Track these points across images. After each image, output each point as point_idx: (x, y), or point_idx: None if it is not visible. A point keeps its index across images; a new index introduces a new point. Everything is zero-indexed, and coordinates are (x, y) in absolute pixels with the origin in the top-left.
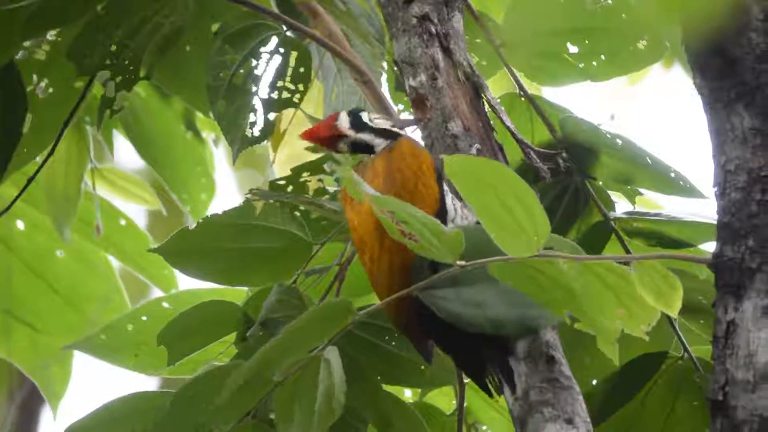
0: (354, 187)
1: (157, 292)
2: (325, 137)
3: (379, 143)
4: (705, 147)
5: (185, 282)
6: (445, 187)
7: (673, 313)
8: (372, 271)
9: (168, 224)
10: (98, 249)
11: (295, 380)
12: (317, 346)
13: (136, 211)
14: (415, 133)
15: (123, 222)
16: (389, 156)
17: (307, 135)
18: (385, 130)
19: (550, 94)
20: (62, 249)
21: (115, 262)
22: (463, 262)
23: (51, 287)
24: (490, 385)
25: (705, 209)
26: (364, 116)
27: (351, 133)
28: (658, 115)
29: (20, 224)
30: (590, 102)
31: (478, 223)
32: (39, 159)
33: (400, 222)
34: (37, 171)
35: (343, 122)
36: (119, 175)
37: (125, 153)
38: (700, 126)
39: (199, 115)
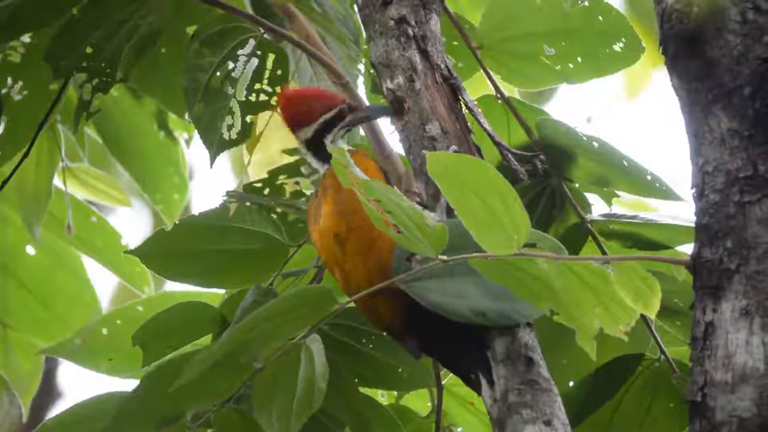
0: (343, 169)
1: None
2: (287, 122)
3: (318, 165)
4: (684, 149)
5: (158, 281)
6: (398, 191)
7: (652, 314)
8: (347, 283)
9: None
10: (68, 246)
11: (275, 367)
12: (298, 333)
13: (142, 217)
14: (392, 136)
15: (94, 219)
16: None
17: (282, 99)
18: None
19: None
20: (32, 245)
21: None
22: (445, 257)
23: (21, 283)
24: (473, 381)
25: (688, 211)
26: (330, 137)
27: (302, 148)
28: (648, 118)
29: None
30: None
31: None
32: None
33: (386, 212)
34: (12, 172)
35: (306, 134)
36: (91, 174)
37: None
38: (680, 128)
39: (172, 115)
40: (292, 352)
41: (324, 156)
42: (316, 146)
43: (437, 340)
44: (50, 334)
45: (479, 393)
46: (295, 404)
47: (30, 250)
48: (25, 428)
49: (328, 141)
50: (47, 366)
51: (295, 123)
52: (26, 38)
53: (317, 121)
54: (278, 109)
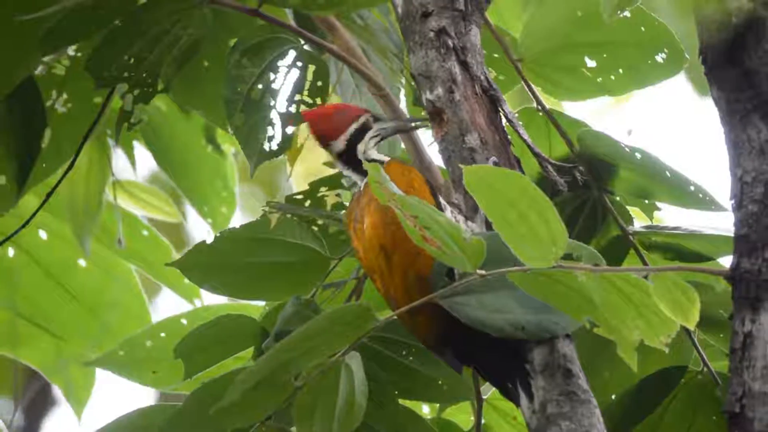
0: (380, 186)
1: (167, 292)
2: (317, 139)
3: (357, 179)
4: (722, 159)
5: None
6: (443, 201)
7: (691, 326)
8: (387, 293)
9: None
10: (120, 258)
11: (315, 385)
12: (337, 350)
13: None
14: (431, 147)
15: (145, 233)
16: None
17: (307, 118)
18: (371, 161)
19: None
20: (84, 258)
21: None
22: (483, 272)
23: (72, 296)
24: (511, 391)
25: (724, 223)
26: (360, 148)
27: (337, 162)
28: (671, 129)
29: (43, 234)
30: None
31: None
32: (60, 171)
33: (423, 227)
34: (57, 185)
35: (338, 146)
36: (140, 188)
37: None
38: (718, 138)
39: (220, 129)
40: (332, 370)
41: (361, 167)
42: (351, 158)
43: (475, 352)
44: (101, 346)
45: (517, 404)
46: (336, 421)
47: (82, 262)
48: None
49: (360, 151)
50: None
51: (325, 139)
52: (71, 51)
53: (346, 132)
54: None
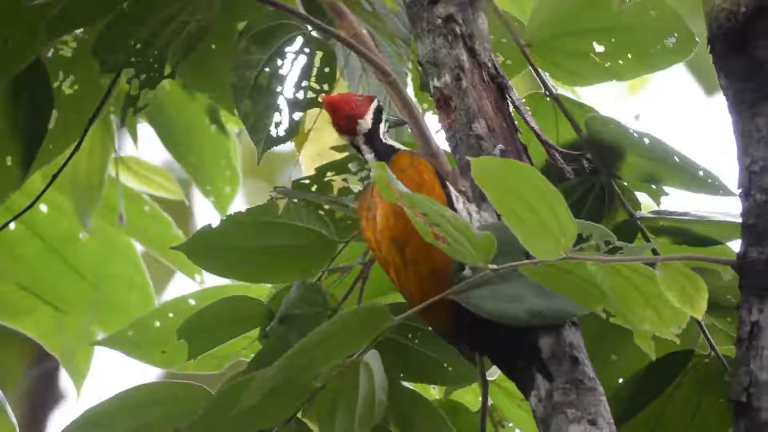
0: (386, 184)
1: (180, 278)
2: (341, 124)
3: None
4: (729, 148)
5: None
6: (454, 192)
7: (698, 315)
8: (401, 285)
9: None
10: (120, 232)
11: (335, 385)
12: (354, 351)
13: None
14: (438, 134)
15: (147, 208)
16: None
17: (330, 103)
18: (389, 148)
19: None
20: (85, 232)
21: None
22: (494, 266)
23: (73, 269)
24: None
25: (732, 208)
26: (382, 129)
27: (361, 140)
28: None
29: (44, 208)
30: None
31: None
32: (67, 152)
33: (433, 225)
34: (63, 165)
35: (365, 125)
36: (143, 165)
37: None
38: (726, 127)
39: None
40: (351, 370)
41: (380, 151)
42: (374, 139)
43: (487, 342)
44: (103, 318)
45: (530, 390)
46: (357, 419)
47: (83, 236)
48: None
49: (382, 132)
50: (50, 368)
51: (353, 118)
52: (78, 32)
53: (370, 110)
54: (329, 118)
